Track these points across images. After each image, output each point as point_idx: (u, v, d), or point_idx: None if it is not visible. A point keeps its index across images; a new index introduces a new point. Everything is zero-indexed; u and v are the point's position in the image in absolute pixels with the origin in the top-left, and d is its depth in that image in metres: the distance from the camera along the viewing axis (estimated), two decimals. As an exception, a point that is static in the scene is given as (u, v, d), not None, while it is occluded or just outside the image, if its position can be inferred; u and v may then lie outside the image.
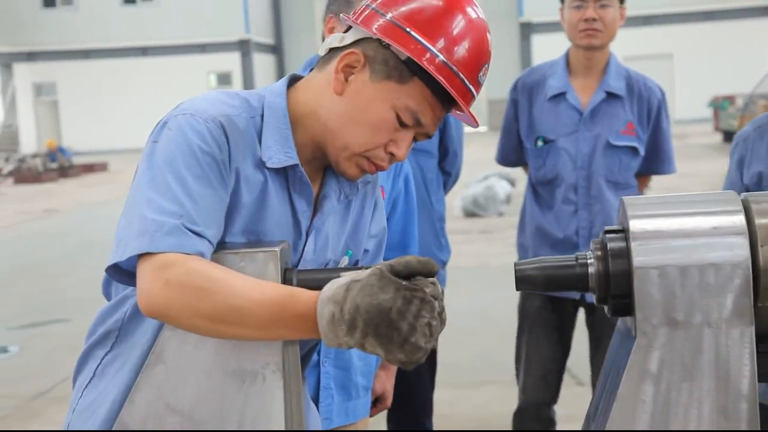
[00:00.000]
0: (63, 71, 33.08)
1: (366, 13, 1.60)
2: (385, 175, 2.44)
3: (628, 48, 31.12)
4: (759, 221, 1.37)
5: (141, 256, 1.45)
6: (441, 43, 1.55)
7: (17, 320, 7.56)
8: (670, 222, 1.39)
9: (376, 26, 1.57)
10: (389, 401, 2.67)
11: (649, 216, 1.40)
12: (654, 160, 3.46)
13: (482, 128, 34.68)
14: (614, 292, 1.41)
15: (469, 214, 12.36)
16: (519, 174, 15.50)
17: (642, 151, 3.39)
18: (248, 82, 32.09)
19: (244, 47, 32.83)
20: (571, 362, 5.38)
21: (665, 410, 1.35)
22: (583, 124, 3.35)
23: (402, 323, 1.30)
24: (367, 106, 1.58)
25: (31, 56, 33.43)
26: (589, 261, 1.45)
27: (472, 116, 1.62)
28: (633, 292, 1.37)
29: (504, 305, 6.80)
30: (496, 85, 35.13)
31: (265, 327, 1.41)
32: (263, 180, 1.60)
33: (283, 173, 1.62)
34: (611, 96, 3.36)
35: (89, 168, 23.97)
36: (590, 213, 3.35)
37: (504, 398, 4.81)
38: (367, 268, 1.39)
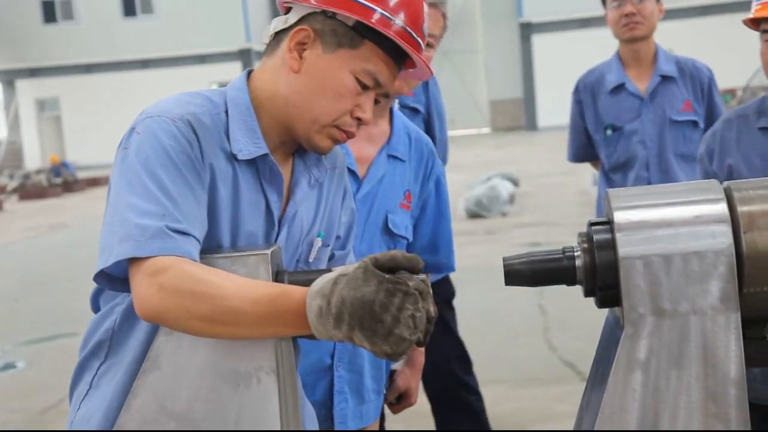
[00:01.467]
0: (65, 86, 33.17)
1: None
2: (413, 177, 2.45)
3: (628, 44, 31.17)
4: (741, 209, 1.39)
5: (131, 261, 1.47)
6: (382, 2, 1.60)
7: (25, 335, 7.58)
8: (653, 212, 1.40)
9: None
10: (414, 398, 2.66)
11: (632, 207, 1.42)
12: None
13: (485, 129, 34.79)
14: (601, 283, 1.43)
15: (473, 215, 12.36)
16: (522, 174, 15.52)
17: (702, 124, 3.71)
18: (250, 91, 32.07)
19: (245, 56, 32.89)
20: (576, 358, 5.42)
21: (655, 397, 1.36)
22: (645, 107, 3.72)
23: (385, 315, 1.31)
24: (327, 76, 1.62)
25: (33, 72, 33.52)
26: (576, 253, 1.46)
27: (427, 65, 1.66)
28: (619, 282, 1.38)
29: (510, 305, 6.82)
30: (497, 86, 35.22)
31: (260, 325, 1.43)
32: (235, 174, 1.62)
33: (254, 164, 1.65)
34: (665, 79, 3.72)
35: (94, 182, 24.02)
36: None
37: (513, 396, 4.83)
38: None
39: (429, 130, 3.61)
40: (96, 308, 1.71)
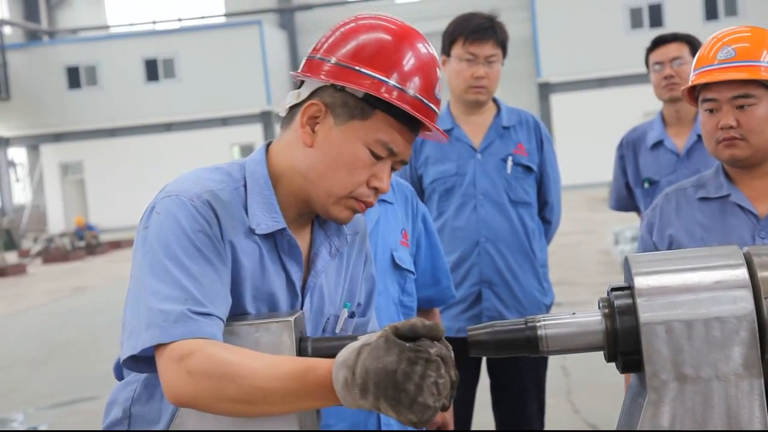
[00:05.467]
0: (89, 150, 33.53)
1: (313, 63, 1.65)
2: (404, 217, 2.58)
3: (646, 103, 31.29)
4: (762, 274, 1.39)
5: (156, 347, 1.49)
6: (392, 71, 1.60)
7: (48, 400, 7.59)
8: (674, 278, 1.41)
9: (323, 73, 1.62)
10: (451, 426, 2.80)
11: (653, 272, 1.43)
12: None
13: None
14: (623, 348, 1.43)
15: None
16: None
17: None
18: (271, 153, 32.28)
19: (266, 119, 33.20)
20: (600, 420, 5.37)
21: (680, 465, 1.36)
22: (680, 163, 3.94)
23: (408, 384, 1.31)
24: (340, 149, 1.62)
25: (57, 137, 33.95)
26: (597, 318, 1.47)
27: (441, 132, 1.66)
28: (641, 348, 1.39)
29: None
30: (517, 146, 35.35)
31: (289, 402, 1.44)
32: (257, 247, 1.64)
33: (272, 238, 1.66)
34: None
35: (116, 245, 24.17)
36: None
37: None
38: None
39: (540, 191, 3.68)
40: (119, 376, 1.73)
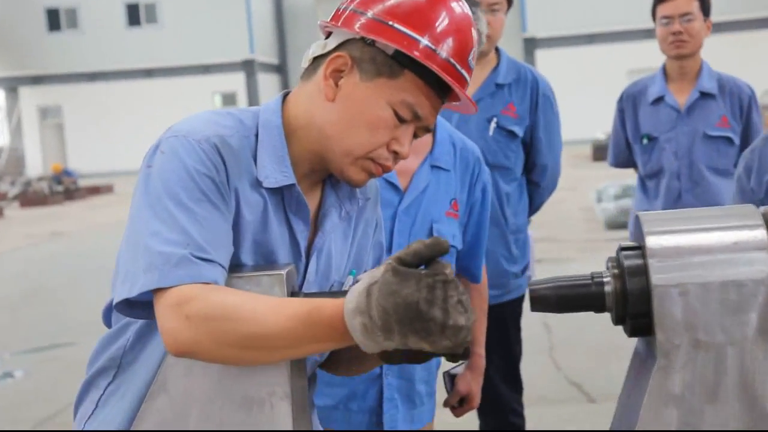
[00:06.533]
0: (68, 94, 33.18)
1: (345, 15, 1.56)
2: (459, 185, 2.44)
3: (632, 61, 31.17)
4: (781, 235, 1.32)
5: (155, 292, 1.41)
6: (426, 31, 1.51)
7: (23, 345, 7.51)
8: (688, 238, 1.34)
9: (358, 26, 1.53)
10: (476, 401, 2.67)
11: (666, 232, 1.35)
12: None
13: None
14: (632, 311, 1.36)
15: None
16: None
17: (737, 141, 3.86)
18: (253, 102, 32.12)
19: (248, 67, 32.90)
20: (583, 379, 5.35)
21: (689, 434, 1.30)
22: (680, 120, 3.88)
23: (434, 311, 1.23)
24: (363, 107, 1.54)
25: (36, 80, 33.53)
26: (605, 279, 1.40)
27: (471, 101, 1.58)
28: (652, 311, 1.32)
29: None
30: (500, 101, 35.17)
31: (296, 345, 1.36)
32: (262, 200, 1.56)
33: (280, 193, 1.58)
34: (705, 95, 3.89)
35: (95, 190, 23.98)
36: (694, 195, 3.83)
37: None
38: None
39: (531, 152, 3.50)
40: (108, 324, 1.65)
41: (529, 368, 5.70)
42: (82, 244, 13.81)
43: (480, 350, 2.66)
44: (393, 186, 2.34)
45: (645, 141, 3.95)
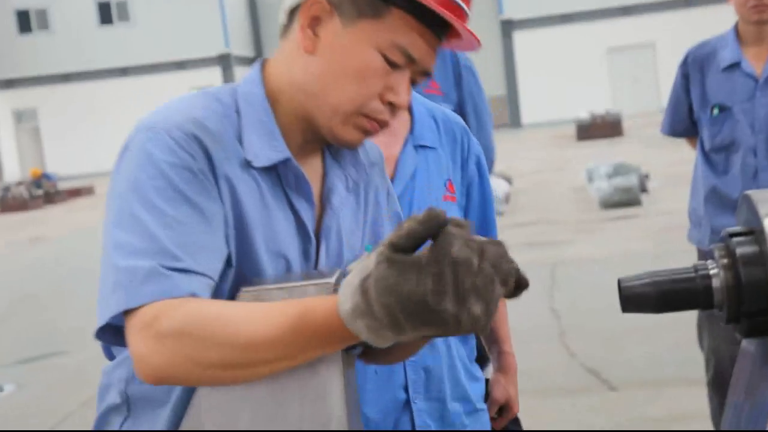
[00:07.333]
0: (43, 97, 32.76)
1: None
2: (450, 164, 2.13)
3: (611, 39, 31.04)
4: None
5: (125, 315, 1.19)
6: None
7: (12, 356, 7.26)
8: (816, 219, 1.13)
9: None
10: (516, 408, 2.32)
11: (787, 212, 1.14)
12: None
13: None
14: (750, 308, 1.15)
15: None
16: (517, 172, 15.27)
17: None
18: (231, 97, 31.77)
19: (224, 61, 32.57)
20: (599, 365, 5.16)
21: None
22: (759, 91, 3.51)
23: (445, 302, 1.02)
24: (347, 55, 1.33)
25: (8, 84, 33.08)
26: (711, 271, 1.19)
27: (473, 35, 1.37)
28: (776, 307, 1.11)
29: (519, 308, 6.55)
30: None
31: (288, 356, 1.15)
32: (255, 183, 1.34)
33: (274, 171, 1.37)
34: None
35: (75, 192, 23.64)
36: None
37: (541, 409, 4.56)
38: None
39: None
40: (110, 356, 1.43)
41: (540, 357, 5.55)
42: (65, 249, 13.52)
43: (508, 348, 2.36)
44: None
45: (715, 111, 3.58)
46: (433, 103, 2.19)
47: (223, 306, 1.18)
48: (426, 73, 1.38)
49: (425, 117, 2.12)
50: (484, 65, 34.49)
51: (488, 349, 2.38)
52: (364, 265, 1.07)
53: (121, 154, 1.31)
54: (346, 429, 1.24)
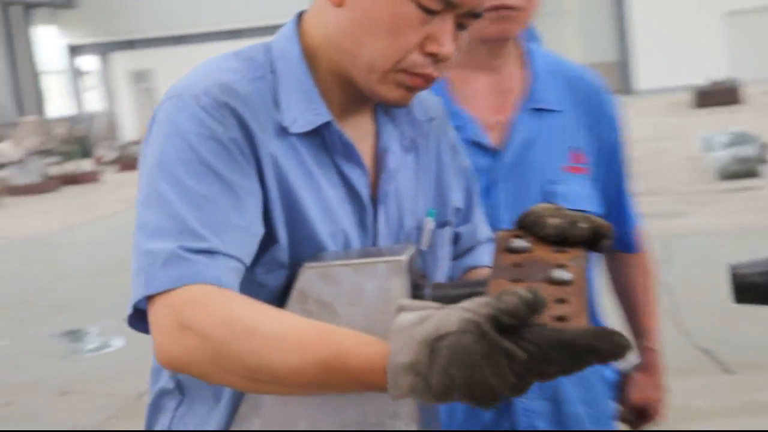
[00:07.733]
0: (158, 58, 33.57)
1: None
2: (577, 129, 1.82)
3: (730, 2, 29.81)
4: None
5: (148, 299, 1.09)
6: None
7: (121, 312, 7.39)
8: None
9: None
10: (658, 412, 2.03)
11: None
12: None
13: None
14: None
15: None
16: (629, 140, 14.86)
17: None
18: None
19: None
20: (714, 345, 4.91)
21: None
22: None
23: (504, 390, 0.89)
24: (376, 6, 1.17)
25: (125, 45, 34.01)
26: None
27: None
28: None
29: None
30: (590, 49, 34.18)
31: (311, 389, 1.03)
32: (293, 152, 1.21)
33: (318, 136, 1.23)
34: None
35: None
36: None
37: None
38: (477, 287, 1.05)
39: None
40: None
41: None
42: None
43: (653, 343, 2.03)
44: (480, 146, 1.73)
45: None
46: (558, 57, 1.89)
47: (255, 319, 1.03)
48: (475, 15, 1.21)
49: (547, 75, 1.83)
50: (594, 30, 33.70)
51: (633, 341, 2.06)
52: (443, 319, 0.91)
53: (149, 126, 1.21)
54: (416, 426, 1.12)
